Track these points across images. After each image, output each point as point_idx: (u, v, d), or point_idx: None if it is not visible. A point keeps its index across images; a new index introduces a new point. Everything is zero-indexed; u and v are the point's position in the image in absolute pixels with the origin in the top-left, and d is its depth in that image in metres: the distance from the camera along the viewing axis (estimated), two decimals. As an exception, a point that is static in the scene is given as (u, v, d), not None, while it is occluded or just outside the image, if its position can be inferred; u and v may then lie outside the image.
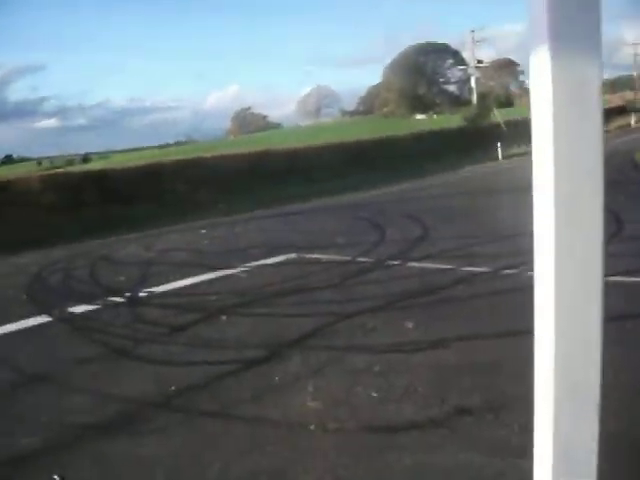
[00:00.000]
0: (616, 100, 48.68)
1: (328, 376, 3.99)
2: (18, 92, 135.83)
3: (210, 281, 6.96)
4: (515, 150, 25.21)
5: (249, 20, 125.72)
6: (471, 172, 20.00)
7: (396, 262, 7.04)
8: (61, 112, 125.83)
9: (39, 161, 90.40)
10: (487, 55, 64.29)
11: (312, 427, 3.33)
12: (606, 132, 33.38)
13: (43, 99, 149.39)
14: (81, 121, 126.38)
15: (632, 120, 41.68)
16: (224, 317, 5.39)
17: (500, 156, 23.47)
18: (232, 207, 17.11)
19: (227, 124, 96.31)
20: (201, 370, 4.28)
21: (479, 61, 44.51)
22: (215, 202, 18.42)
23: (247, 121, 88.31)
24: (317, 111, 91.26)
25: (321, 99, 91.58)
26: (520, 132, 29.14)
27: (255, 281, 6.67)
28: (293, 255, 7.97)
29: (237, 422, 3.48)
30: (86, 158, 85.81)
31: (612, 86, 73.44)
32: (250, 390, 3.87)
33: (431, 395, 3.58)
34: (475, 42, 43.28)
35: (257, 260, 7.85)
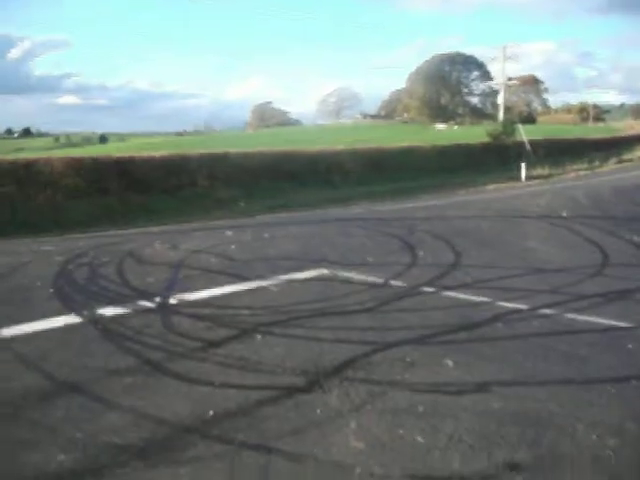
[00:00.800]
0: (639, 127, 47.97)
1: (369, 413, 3.90)
2: (42, 67, 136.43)
3: (241, 292, 6.85)
4: (539, 171, 24.88)
5: (276, 15, 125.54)
6: (496, 192, 19.83)
7: (430, 289, 6.93)
8: (83, 90, 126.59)
9: (57, 137, 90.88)
10: (511, 70, 63.90)
11: (358, 470, 3.25)
12: (630, 161, 32.80)
13: (66, 75, 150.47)
14: (101, 101, 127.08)
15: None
16: (259, 336, 5.29)
17: (524, 177, 23.11)
18: (252, 207, 17.10)
19: (247, 115, 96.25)
20: (237, 394, 4.19)
21: (510, 78, 44.18)
22: (236, 200, 18.42)
23: (267, 115, 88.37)
24: (338, 111, 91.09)
25: (342, 100, 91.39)
26: (544, 152, 28.91)
27: (287, 298, 6.56)
28: (324, 271, 7.85)
29: (277, 456, 3.40)
30: (103, 138, 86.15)
31: (636, 112, 72.78)
32: (289, 422, 3.79)
33: (477, 445, 3.49)
34: (506, 57, 43.04)
35: (287, 273, 7.74)
